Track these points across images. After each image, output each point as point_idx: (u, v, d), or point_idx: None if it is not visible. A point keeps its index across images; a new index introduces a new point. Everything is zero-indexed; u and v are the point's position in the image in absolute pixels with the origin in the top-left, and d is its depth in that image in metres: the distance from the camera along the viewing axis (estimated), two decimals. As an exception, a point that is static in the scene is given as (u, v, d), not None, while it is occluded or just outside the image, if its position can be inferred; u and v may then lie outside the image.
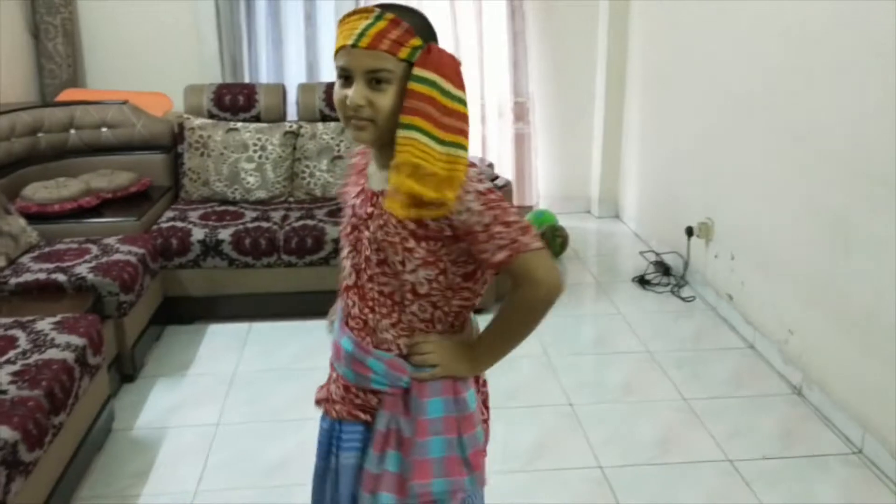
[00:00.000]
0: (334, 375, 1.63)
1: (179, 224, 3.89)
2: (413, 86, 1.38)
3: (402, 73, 1.39)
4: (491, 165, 4.48)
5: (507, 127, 5.22)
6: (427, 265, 1.46)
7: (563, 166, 5.48)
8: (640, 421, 3.07)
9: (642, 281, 4.35)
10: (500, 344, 1.54)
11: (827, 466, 2.79)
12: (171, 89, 4.64)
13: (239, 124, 4.29)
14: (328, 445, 1.63)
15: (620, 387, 3.33)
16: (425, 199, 1.37)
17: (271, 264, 3.86)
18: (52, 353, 2.62)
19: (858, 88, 2.79)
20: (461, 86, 1.42)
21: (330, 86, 4.44)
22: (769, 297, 3.49)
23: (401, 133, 1.38)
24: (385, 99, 1.40)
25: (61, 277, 3.24)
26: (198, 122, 4.28)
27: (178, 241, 3.79)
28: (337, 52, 1.43)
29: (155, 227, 3.87)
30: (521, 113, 5.19)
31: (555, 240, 4.72)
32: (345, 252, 1.57)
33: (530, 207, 5.29)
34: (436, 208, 1.38)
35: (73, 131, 4.27)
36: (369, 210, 1.51)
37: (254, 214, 4.05)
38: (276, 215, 4.05)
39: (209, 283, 3.87)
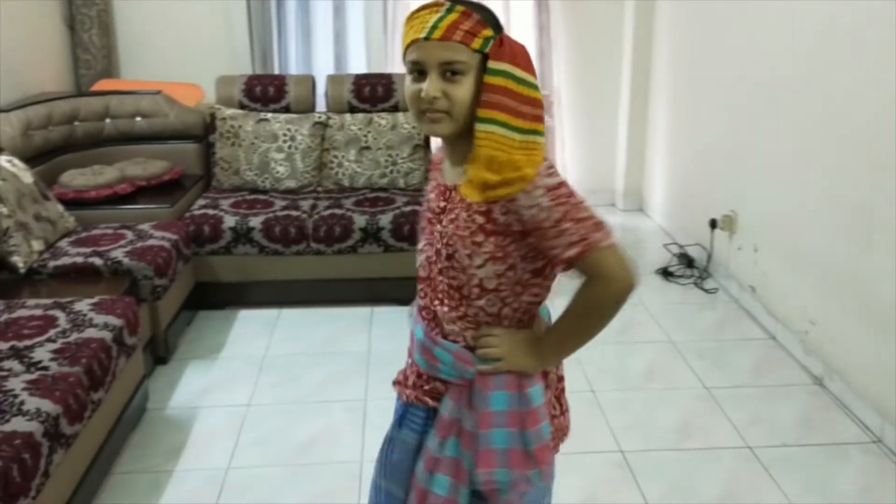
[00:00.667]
0: (410, 361, 1.66)
1: (211, 212, 3.98)
2: (489, 79, 1.38)
3: (476, 64, 1.39)
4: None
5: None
6: (495, 260, 1.44)
7: (587, 159, 5.53)
8: (661, 407, 3.12)
9: (666, 273, 4.39)
10: (569, 340, 1.53)
11: (846, 455, 2.83)
12: (203, 80, 4.75)
13: (269, 115, 4.38)
14: (399, 421, 1.66)
15: (642, 374, 3.38)
16: (504, 179, 1.36)
17: (300, 252, 3.94)
18: (90, 333, 2.71)
19: (883, 80, 2.82)
20: (533, 72, 1.42)
21: (359, 77, 4.51)
22: (791, 289, 3.52)
23: (480, 127, 1.38)
24: (461, 90, 1.39)
25: (98, 261, 3.34)
26: (229, 112, 4.37)
27: (209, 228, 3.88)
28: (407, 47, 1.42)
29: (188, 214, 3.97)
30: (546, 106, 5.23)
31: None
32: (421, 244, 1.59)
33: None
34: (510, 186, 1.36)
35: (108, 120, 4.38)
36: (441, 204, 1.52)
37: (283, 203, 4.13)
38: (305, 204, 4.13)
39: (240, 270, 3.96)
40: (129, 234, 3.63)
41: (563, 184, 1.39)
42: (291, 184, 4.34)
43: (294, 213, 4.00)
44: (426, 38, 1.38)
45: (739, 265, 4.03)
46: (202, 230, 3.88)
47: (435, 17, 1.38)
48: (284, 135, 4.33)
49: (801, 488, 2.65)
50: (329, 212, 4.00)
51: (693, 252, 4.50)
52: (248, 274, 3.98)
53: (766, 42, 3.69)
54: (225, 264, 3.95)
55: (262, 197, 4.24)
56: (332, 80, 4.56)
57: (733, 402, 3.14)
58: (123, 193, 3.98)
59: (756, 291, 3.85)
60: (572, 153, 5.48)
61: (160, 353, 3.47)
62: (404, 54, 1.44)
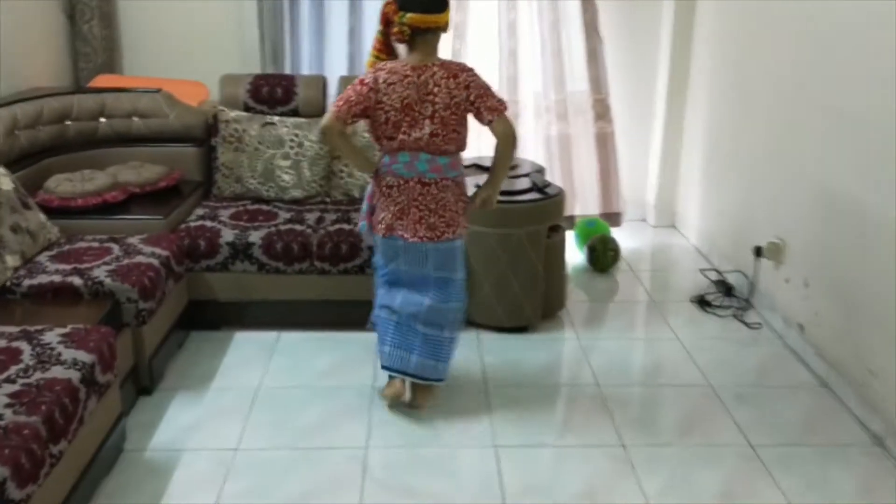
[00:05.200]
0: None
1: (209, 223, 3.66)
2: None
3: None
4: (541, 171, 4.16)
5: (588, 126, 4.86)
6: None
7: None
8: (700, 468, 2.76)
9: (702, 302, 4.01)
10: None
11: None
12: (210, 78, 4.39)
13: (276, 118, 4.04)
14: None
15: (678, 426, 3.01)
16: None
17: (303, 270, 3.61)
18: (56, 372, 2.40)
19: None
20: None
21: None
22: (847, 332, 3.15)
23: None
24: None
25: (77, 281, 3.02)
26: (233, 114, 4.04)
27: (206, 243, 3.56)
28: None
29: (183, 225, 3.65)
30: (603, 111, 4.83)
31: (606, 253, 4.40)
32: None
33: (617, 214, 4.95)
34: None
35: (103, 120, 4.07)
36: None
37: (287, 215, 3.80)
38: (311, 217, 3.80)
39: (237, 288, 3.64)
40: (116, 249, 3.31)
41: None
42: (297, 194, 4.01)
43: (298, 227, 3.67)
44: None
45: (786, 299, 3.65)
46: (197, 244, 3.56)
47: None
48: (292, 140, 3.99)
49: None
50: (336, 227, 3.66)
51: (733, 279, 4.12)
52: (247, 293, 3.65)
53: (821, 52, 3.30)
54: (221, 282, 3.62)
55: (265, 207, 3.91)
56: (345, 81, 4.20)
57: (782, 464, 2.77)
58: (114, 202, 3.66)
59: (805, 331, 3.47)
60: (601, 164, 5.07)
61: (144, 383, 3.15)
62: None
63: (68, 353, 2.50)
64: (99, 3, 4.57)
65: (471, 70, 2.82)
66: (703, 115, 4.71)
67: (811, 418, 3.07)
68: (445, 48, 4.67)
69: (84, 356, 2.51)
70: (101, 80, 4.41)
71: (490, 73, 4.72)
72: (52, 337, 2.59)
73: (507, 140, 2.83)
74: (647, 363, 3.48)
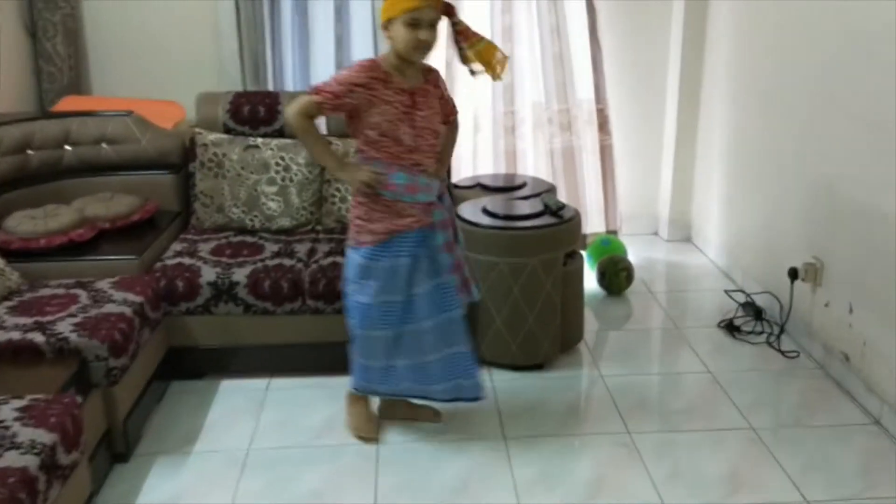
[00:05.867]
0: (408, 204, 2.61)
1: (187, 261, 3.29)
2: (460, 26, 2.57)
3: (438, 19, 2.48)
4: (553, 190, 3.83)
5: (593, 138, 4.53)
6: (441, 120, 2.67)
7: (627, 180, 4.80)
8: (755, 534, 2.43)
9: (731, 327, 3.68)
10: (449, 156, 2.85)
11: None
12: (186, 96, 4.01)
13: (259, 140, 3.68)
14: (420, 244, 2.65)
15: (723, 480, 2.67)
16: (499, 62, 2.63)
17: (294, 311, 3.26)
18: (10, 459, 2.04)
19: None
20: None
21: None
22: (904, 365, 2.83)
23: (475, 49, 2.60)
24: (435, 35, 2.48)
25: (39, 338, 2.66)
26: (212, 137, 3.68)
27: (184, 284, 3.20)
28: (408, 10, 2.39)
29: (159, 264, 3.28)
30: (601, 122, 4.50)
31: (618, 274, 4.07)
32: (400, 131, 2.51)
33: (613, 232, 4.62)
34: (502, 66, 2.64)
35: (68, 147, 3.69)
36: (420, 99, 2.55)
37: (275, 248, 3.45)
38: (302, 249, 3.45)
39: (222, 333, 3.28)
40: (84, 296, 2.95)
41: None
42: (285, 223, 3.65)
43: (287, 261, 3.31)
44: (426, 6, 2.41)
45: (827, 326, 3.33)
46: (175, 286, 3.20)
47: None
48: (277, 164, 3.63)
49: None
50: (329, 260, 3.31)
51: (761, 300, 3.79)
52: (232, 337, 3.29)
53: (860, 46, 2.97)
54: (203, 326, 3.27)
55: (249, 239, 3.56)
56: (334, 97, 3.85)
57: (847, 526, 2.45)
58: (81, 241, 3.30)
59: (851, 362, 3.15)
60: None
61: (119, 449, 2.79)
62: (398, 15, 2.41)
63: (25, 434, 2.14)
64: (63, 19, 4.20)
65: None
66: (719, 121, 4.38)
67: (868, 464, 2.73)
68: (438, 58, 4.33)
69: (44, 436, 2.15)
70: (67, 103, 4.04)
71: (485, 83, 4.40)
72: (6, 413, 2.23)
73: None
74: (680, 403, 3.14)
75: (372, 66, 2.51)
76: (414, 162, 2.55)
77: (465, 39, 2.55)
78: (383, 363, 2.78)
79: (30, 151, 3.60)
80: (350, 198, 3.60)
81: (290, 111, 2.52)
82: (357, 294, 2.70)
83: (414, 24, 2.41)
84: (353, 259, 2.68)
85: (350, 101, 2.48)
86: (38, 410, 2.26)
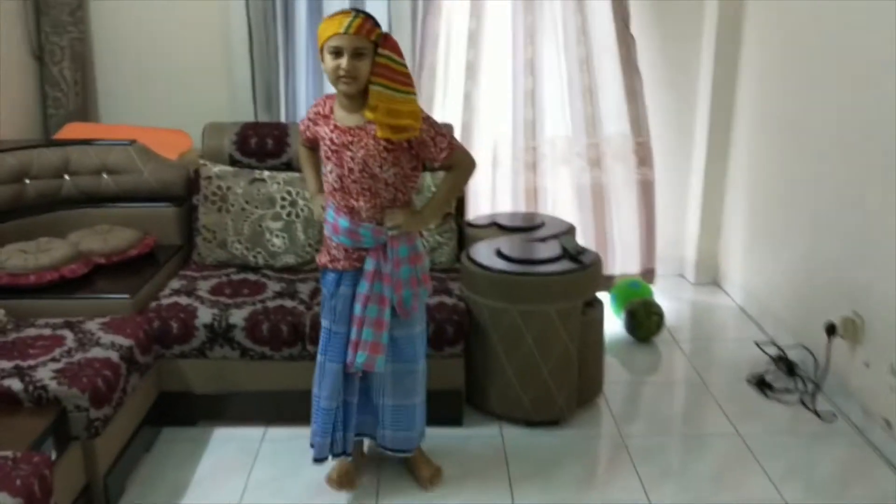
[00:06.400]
0: (333, 244, 2.54)
1: (184, 301, 3.12)
2: (378, 59, 2.32)
3: (371, 50, 2.32)
4: (572, 231, 3.62)
5: (627, 173, 4.31)
6: (394, 166, 2.42)
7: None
8: None
9: (762, 383, 3.43)
10: (442, 207, 2.64)
11: None
12: (196, 126, 3.82)
13: (265, 174, 3.52)
14: (336, 284, 2.56)
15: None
16: (402, 126, 2.33)
17: (294, 356, 3.07)
18: (-38, 528, 1.85)
19: None
20: (403, 57, 2.36)
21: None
22: (954, 438, 2.57)
23: (372, 88, 2.32)
24: (363, 66, 2.32)
25: (17, 385, 2.49)
26: (216, 169, 3.52)
27: (179, 325, 3.02)
28: (329, 37, 2.30)
29: (154, 303, 3.11)
30: (644, 155, 4.27)
31: (649, 318, 3.84)
32: (328, 168, 2.48)
33: (651, 271, 4.40)
34: (409, 133, 2.36)
35: (67, 177, 3.56)
36: (349, 139, 2.40)
37: (277, 288, 3.27)
38: (305, 289, 3.27)
39: (216, 378, 3.09)
40: (70, 339, 2.78)
41: (430, 116, 2.45)
42: (290, 260, 3.48)
43: (289, 303, 3.13)
44: (345, 32, 2.28)
45: (867, 387, 3.07)
46: (169, 327, 3.02)
47: (348, 19, 2.29)
48: (283, 199, 3.46)
49: None
50: (334, 303, 3.12)
51: (794, 354, 3.55)
52: (227, 383, 3.11)
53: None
54: (198, 370, 3.08)
55: (251, 277, 3.38)
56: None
57: None
58: (73, 277, 3.14)
59: (893, 429, 2.90)
60: (632, 212, 4.50)
61: (98, 505, 2.60)
62: (324, 44, 2.33)
63: (-16, 498, 1.96)
64: (70, 42, 4.08)
65: None
66: (750, 159, 4.15)
67: (915, 549, 2.48)
68: (457, 91, 4.16)
69: (7, 500, 1.97)
70: (71, 130, 3.91)
71: (504, 117, 4.21)
72: (-32, 472, 2.06)
73: None
74: (708, 472, 2.88)
75: (323, 101, 2.53)
76: (344, 202, 2.47)
77: (374, 74, 2.31)
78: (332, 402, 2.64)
79: (27, 181, 3.47)
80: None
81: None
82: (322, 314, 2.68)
83: (336, 53, 2.31)
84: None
85: (310, 134, 2.56)
86: (3, 471, 2.08)
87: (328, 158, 2.46)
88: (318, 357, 2.66)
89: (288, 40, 4.15)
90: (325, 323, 2.63)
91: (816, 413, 3.22)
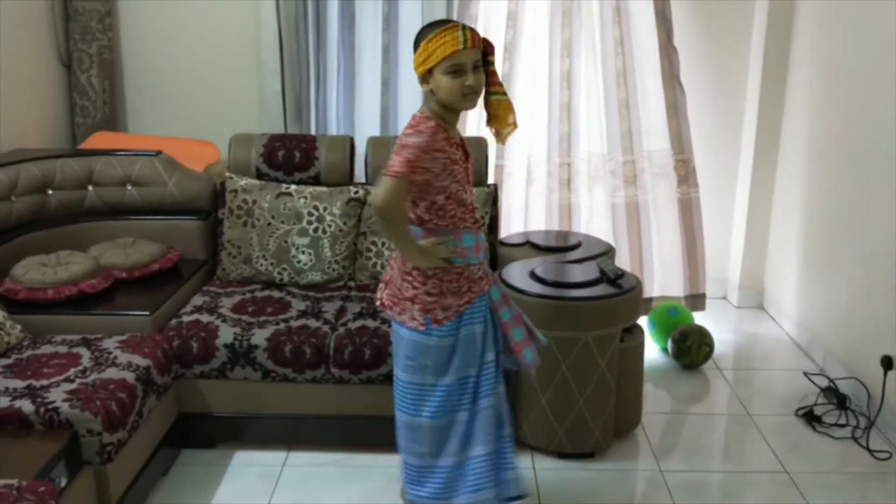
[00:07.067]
0: (475, 267, 2.28)
1: (205, 318, 3.01)
2: (493, 68, 2.22)
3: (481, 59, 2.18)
4: (609, 252, 3.45)
5: (667, 191, 4.12)
6: None
7: (693, 240, 4.38)
8: None
9: (811, 416, 3.24)
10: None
11: None
12: (224, 137, 3.71)
13: (293, 188, 3.41)
14: (489, 311, 2.31)
15: None
16: (514, 127, 2.31)
17: (317, 379, 2.95)
18: (-41, 565, 1.74)
19: None
20: None
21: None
22: None
23: (493, 98, 2.25)
24: (482, 77, 2.18)
25: (28, 407, 2.38)
26: (242, 182, 3.42)
27: (199, 345, 2.91)
28: (446, 56, 2.09)
29: (174, 321, 3.00)
30: (686, 173, 4.07)
31: (701, 348, 3.65)
32: (447, 193, 2.20)
33: (702, 296, 4.18)
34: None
35: (90, 188, 3.47)
36: (464, 152, 2.26)
37: (302, 306, 3.15)
38: (331, 308, 3.14)
39: (237, 400, 2.98)
40: (86, 357, 2.68)
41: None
42: (316, 277, 3.36)
43: (313, 323, 3.01)
44: (464, 48, 2.09)
45: (927, 425, 2.88)
46: (189, 346, 2.91)
47: (460, 33, 2.09)
48: (310, 214, 3.35)
49: None
50: (359, 323, 2.99)
51: (845, 386, 3.35)
52: (248, 405, 2.99)
53: None
54: (218, 391, 2.97)
55: (276, 294, 3.27)
56: (374, 143, 3.57)
57: None
58: (93, 292, 3.04)
59: (957, 472, 2.70)
60: (672, 232, 4.31)
61: (109, 534, 2.49)
62: (437, 64, 2.11)
63: (-16, 532, 1.85)
64: (99, 50, 4.01)
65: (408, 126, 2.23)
66: (799, 178, 3.96)
67: None
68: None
69: (6, 534, 1.86)
70: (97, 139, 3.83)
71: (539, 131, 4.06)
72: (-30, 501, 1.95)
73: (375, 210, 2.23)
74: (752, 511, 2.72)
75: (437, 128, 2.15)
76: (475, 220, 2.28)
77: (492, 84, 2.22)
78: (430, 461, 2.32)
79: (50, 192, 3.38)
80: (389, 254, 3.30)
81: (385, 199, 2.10)
82: (432, 377, 2.26)
83: (457, 72, 2.10)
84: (424, 342, 2.24)
85: (428, 168, 2.13)
86: (7, 500, 1.97)
87: (461, 181, 2.21)
88: (427, 422, 2.28)
89: (319, 51, 4.04)
90: (449, 379, 2.25)
91: (870, 450, 3.02)
